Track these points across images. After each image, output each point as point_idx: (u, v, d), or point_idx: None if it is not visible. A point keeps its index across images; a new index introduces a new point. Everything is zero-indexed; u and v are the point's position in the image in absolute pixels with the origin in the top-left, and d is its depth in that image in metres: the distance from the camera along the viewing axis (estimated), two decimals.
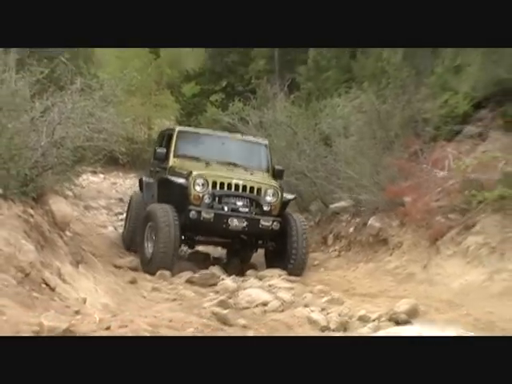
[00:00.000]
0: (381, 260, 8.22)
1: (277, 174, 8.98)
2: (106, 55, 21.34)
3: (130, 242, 9.14)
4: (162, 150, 8.72)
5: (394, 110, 9.94)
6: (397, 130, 9.65)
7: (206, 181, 7.96)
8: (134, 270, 7.83)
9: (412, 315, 5.37)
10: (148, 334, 3.56)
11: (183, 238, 7.98)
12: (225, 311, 5.27)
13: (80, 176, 9.47)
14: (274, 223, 8.08)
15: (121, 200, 15.91)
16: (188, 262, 8.75)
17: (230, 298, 6.07)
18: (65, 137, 6.46)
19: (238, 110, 12.98)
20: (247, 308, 5.87)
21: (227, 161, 8.78)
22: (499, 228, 6.76)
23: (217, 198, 7.99)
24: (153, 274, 7.38)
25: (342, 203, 9.81)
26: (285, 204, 8.43)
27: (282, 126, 11.71)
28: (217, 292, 6.61)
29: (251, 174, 8.55)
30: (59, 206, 6.31)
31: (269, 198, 8.17)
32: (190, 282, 7.19)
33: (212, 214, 7.86)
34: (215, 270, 7.89)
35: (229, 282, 6.98)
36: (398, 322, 5.21)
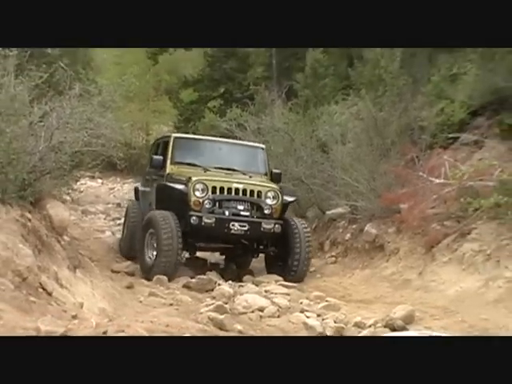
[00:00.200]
0: (377, 266, 8.25)
1: (274, 178, 8.96)
2: (105, 61, 21.39)
3: (128, 251, 9.10)
4: (158, 158, 8.67)
5: (391, 117, 9.98)
6: (393, 138, 9.68)
7: (206, 186, 7.92)
8: (131, 274, 7.87)
9: (408, 321, 5.38)
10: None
11: (184, 244, 7.87)
12: (221, 316, 5.26)
13: (78, 181, 9.49)
14: (276, 226, 8.04)
15: (118, 205, 15.93)
16: (185, 267, 8.75)
17: (226, 304, 6.06)
18: (63, 142, 6.46)
19: (235, 116, 12.99)
20: (244, 313, 5.88)
21: (225, 166, 8.75)
22: (495, 235, 6.77)
23: (217, 203, 7.96)
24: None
25: (339, 210, 9.82)
26: (285, 206, 8.39)
27: (280, 132, 11.72)
28: (213, 297, 6.61)
29: (250, 178, 8.53)
30: (57, 211, 6.30)
31: (269, 201, 8.15)
32: (186, 287, 7.20)
33: (213, 219, 7.82)
34: (212, 275, 7.86)
35: (225, 287, 6.98)
36: (393, 328, 5.21)
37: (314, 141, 11.20)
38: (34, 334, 3.25)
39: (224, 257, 9.74)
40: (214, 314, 5.31)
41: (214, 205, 7.94)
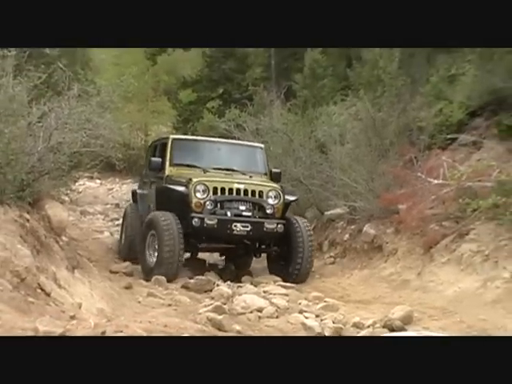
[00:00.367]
0: (375, 267, 8.26)
1: (274, 177, 8.92)
2: (104, 61, 21.40)
3: (127, 254, 9.03)
4: (157, 160, 8.63)
5: (390, 118, 10.00)
6: (392, 138, 9.69)
7: (207, 187, 7.88)
8: (130, 275, 7.87)
9: (406, 322, 5.37)
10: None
11: (186, 245, 7.81)
12: (220, 317, 5.26)
13: (76, 181, 9.51)
14: (279, 226, 8.00)
15: (117, 205, 15.97)
16: (184, 267, 8.73)
17: (225, 304, 6.05)
18: (61, 142, 6.46)
19: (234, 116, 12.97)
20: (242, 314, 5.86)
21: (224, 166, 8.72)
22: (493, 236, 6.77)
23: (219, 204, 7.91)
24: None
25: (338, 210, 9.82)
26: (287, 206, 8.35)
27: (279, 133, 11.72)
28: (212, 298, 6.60)
29: (250, 178, 8.49)
30: (55, 211, 6.29)
31: (271, 201, 8.11)
32: (185, 287, 7.19)
33: (215, 220, 7.77)
34: (211, 276, 7.88)
35: (224, 288, 6.97)
36: (392, 329, 5.20)
37: (312, 141, 11.21)
38: (32, 334, 3.25)
39: (223, 257, 9.74)
40: (212, 315, 5.30)
41: (216, 206, 7.90)
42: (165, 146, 8.86)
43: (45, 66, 7.47)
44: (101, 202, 16.64)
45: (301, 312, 5.99)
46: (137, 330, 3.74)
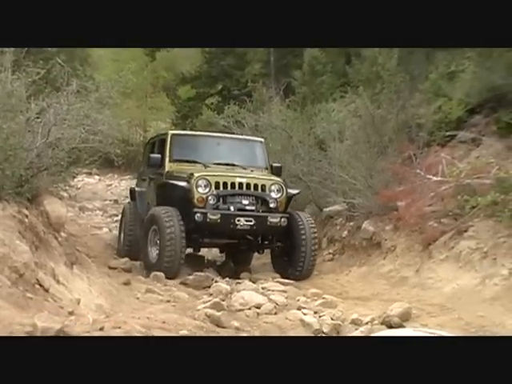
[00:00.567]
0: (374, 264, 8.27)
1: (275, 171, 8.85)
2: (102, 57, 21.36)
3: (126, 253, 8.95)
4: (156, 156, 8.56)
5: (389, 114, 10.01)
6: (391, 135, 9.70)
7: (209, 182, 7.81)
8: (128, 271, 7.86)
9: (405, 319, 5.39)
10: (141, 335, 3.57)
11: (188, 240, 7.72)
12: (218, 313, 5.29)
13: (75, 177, 9.51)
14: (282, 220, 7.93)
15: (116, 201, 15.99)
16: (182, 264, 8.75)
17: (223, 301, 6.07)
18: (60, 138, 6.46)
19: (233, 113, 12.98)
20: (241, 310, 5.87)
21: (224, 161, 8.67)
22: (491, 233, 6.78)
23: (221, 199, 7.84)
24: None
25: (336, 207, 9.82)
26: (289, 199, 8.29)
27: (278, 129, 11.72)
28: (210, 294, 6.59)
29: (251, 172, 8.44)
30: (54, 207, 6.30)
31: (274, 194, 8.04)
32: (183, 283, 7.20)
33: (218, 215, 7.69)
34: (209, 272, 7.90)
35: (223, 284, 6.98)
36: (390, 326, 5.21)
37: (311, 138, 11.21)
38: (30, 330, 3.26)
39: (222, 254, 9.72)
40: (210, 311, 5.34)
41: (219, 200, 7.82)
42: (164, 141, 8.80)
43: (43, 61, 7.45)
44: (99, 198, 16.66)
45: (299, 308, 6.00)
46: (135, 325, 3.77)
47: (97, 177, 19.99)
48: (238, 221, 7.74)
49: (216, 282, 7.23)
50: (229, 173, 8.20)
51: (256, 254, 9.05)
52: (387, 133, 9.76)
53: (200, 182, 7.78)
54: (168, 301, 6.19)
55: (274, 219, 7.89)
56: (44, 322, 3.35)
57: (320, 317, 5.69)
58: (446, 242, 7.28)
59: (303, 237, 7.96)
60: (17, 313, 3.58)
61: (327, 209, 9.99)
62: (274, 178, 8.43)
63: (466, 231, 7.12)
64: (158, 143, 9.20)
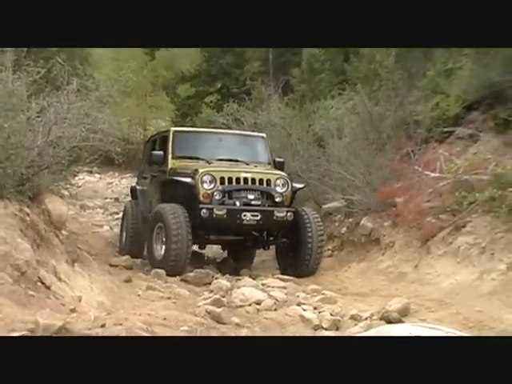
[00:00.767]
0: (373, 260, 8.30)
1: (278, 166, 8.81)
2: (102, 56, 21.37)
3: (129, 252, 8.92)
4: (159, 153, 8.52)
5: (387, 112, 10.02)
6: (389, 132, 9.71)
7: (214, 177, 7.76)
8: (129, 268, 7.88)
9: (403, 314, 5.41)
10: (142, 332, 3.56)
11: (194, 237, 7.68)
12: (219, 310, 5.32)
13: (76, 176, 9.49)
14: (288, 214, 7.89)
15: (116, 199, 16.02)
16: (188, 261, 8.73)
17: (223, 297, 6.09)
18: (61, 137, 6.47)
19: (232, 111, 12.99)
20: (241, 306, 5.90)
21: (227, 157, 8.64)
22: (489, 229, 6.80)
23: (227, 194, 7.79)
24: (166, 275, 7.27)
25: (335, 204, 9.84)
26: (294, 194, 8.26)
27: (276, 127, 11.73)
28: (211, 291, 6.63)
29: (255, 167, 8.42)
30: (55, 205, 6.29)
31: (279, 189, 8.01)
32: (184, 280, 7.23)
33: (224, 211, 7.65)
34: (210, 269, 7.92)
35: (223, 281, 7.01)
36: (389, 321, 5.23)
37: (310, 135, 11.23)
38: (32, 327, 3.26)
39: (223, 251, 9.72)
40: (211, 307, 5.37)
41: (224, 196, 7.78)
42: (165, 139, 8.77)
43: (44, 61, 7.45)
44: (100, 196, 16.68)
45: (299, 304, 6.03)
46: (136, 322, 3.79)
47: (97, 175, 20.00)
48: (244, 216, 7.71)
49: (216, 278, 7.27)
50: (233, 168, 8.15)
51: (256, 251, 9.07)
52: (385, 130, 9.78)
53: (205, 178, 7.73)
54: (169, 298, 6.21)
55: (280, 213, 7.86)
56: (46, 319, 3.34)
57: (320, 312, 5.73)
58: (444, 238, 7.30)
59: (309, 234, 7.93)
60: (19, 310, 3.58)
61: (326, 205, 10.00)
62: (278, 172, 8.39)
63: (463, 227, 7.14)
64: (159, 140, 9.17)
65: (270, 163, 8.96)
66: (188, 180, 7.79)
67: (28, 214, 5.30)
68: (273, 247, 8.78)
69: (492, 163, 7.48)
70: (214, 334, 4.64)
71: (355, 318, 5.50)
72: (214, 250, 9.86)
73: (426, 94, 10.10)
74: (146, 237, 8.26)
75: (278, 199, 7.96)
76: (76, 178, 9.77)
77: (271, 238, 8.45)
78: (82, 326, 3.48)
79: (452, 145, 9.10)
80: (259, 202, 7.90)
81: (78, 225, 10.79)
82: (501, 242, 6.54)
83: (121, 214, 10.64)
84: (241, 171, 8.00)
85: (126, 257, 8.38)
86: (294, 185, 8.29)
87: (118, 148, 7.89)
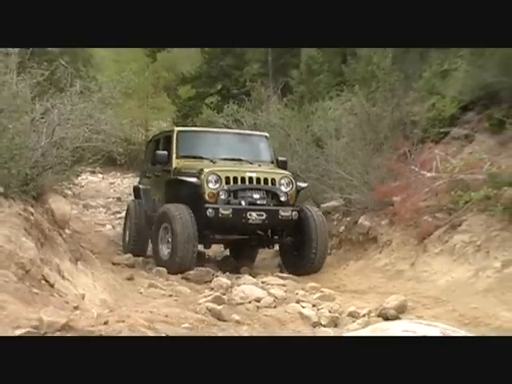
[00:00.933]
0: (370, 258, 8.32)
1: (281, 165, 8.80)
2: (105, 58, 21.44)
3: (131, 250, 8.86)
4: (163, 153, 8.48)
5: (384, 112, 10.08)
6: (386, 132, 9.77)
7: (219, 177, 7.73)
8: (132, 266, 7.88)
9: (400, 311, 5.44)
10: (144, 329, 3.61)
11: (200, 237, 7.66)
12: (219, 307, 5.33)
13: (79, 175, 9.45)
14: (293, 213, 7.86)
15: (119, 199, 16.04)
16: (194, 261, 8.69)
17: (224, 295, 6.11)
18: (64, 137, 6.51)
19: (232, 112, 13.03)
20: (241, 304, 5.89)
21: (231, 156, 8.62)
22: (484, 227, 6.84)
23: (232, 194, 7.77)
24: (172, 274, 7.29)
25: (333, 203, 9.87)
26: (298, 193, 8.24)
27: (276, 127, 11.74)
28: (212, 288, 6.64)
29: (259, 167, 8.42)
30: (59, 205, 6.30)
31: (284, 188, 7.99)
32: (185, 278, 7.23)
33: (230, 210, 7.60)
34: (210, 267, 7.93)
35: (223, 278, 7.03)
36: (387, 318, 5.24)
37: (308, 136, 11.25)
38: (36, 324, 3.27)
39: (224, 250, 9.74)
40: (212, 305, 5.37)
41: (230, 195, 7.75)
42: (169, 138, 8.74)
43: (47, 63, 7.47)
44: (103, 196, 16.66)
45: (298, 302, 6.02)
46: (138, 319, 3.82)
47: (100, 175, 20.05)
48: (250, 215, 7.68)
49: (217, 276, 7.28)
50: (238, 167, 8.15)
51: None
52: (382, 130, 9.83)
53: (210, 178, 7.71)
54: (170, 295, 6.22)
55: (285, 213, 7.83)
56: (50, 317, 3.36)
57: (318, 310, 5.72)
58: (440, 236, 7.34)
59: (314, 232, 7.91)
60: (23, 307, 3.59)
61: (324, 205, 9.99)
62: (282, 171, 8.38)
63: (459, 225, 7.19)
64: (163, 140, 9.14)
65: (273, 162, 8.95)
66: (193, 180, 7.77)
67: (32, 214, 5.31)
68: (276, 246, 8.78)
69: (487, 163, 7.53)
70: (214, 330, 4.65)
71: (353, 315, 5.49)
72: (214, 249, 9.89)
73: (422, 95, 10.13)
74: (151, 237, 8.25)
75: (282, 198, 7.95)
76: (79, 178, 9.77)
77: (276, 237, 8.42)
78: (85, 323, 3.51)
79: (448, 145, 9.15)
80: (264, 202, 7.88)
81: (81, 224, 10.78)
82: (496, 240, 6.59)
83: (123, 214, 10.62)
84: (246, 171, 7.99)
85: (128, 255, 8.36)
86: (299, 184, 8.28)
87: (120, 148, 7.93)
